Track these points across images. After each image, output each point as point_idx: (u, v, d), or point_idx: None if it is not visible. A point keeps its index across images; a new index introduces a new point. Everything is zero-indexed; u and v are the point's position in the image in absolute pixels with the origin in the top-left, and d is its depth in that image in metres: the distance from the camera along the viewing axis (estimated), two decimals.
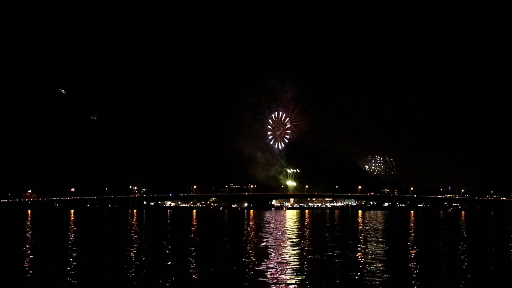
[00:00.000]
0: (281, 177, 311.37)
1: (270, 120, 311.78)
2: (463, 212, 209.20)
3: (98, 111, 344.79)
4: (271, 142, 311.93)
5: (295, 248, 33.71)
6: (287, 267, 24.20)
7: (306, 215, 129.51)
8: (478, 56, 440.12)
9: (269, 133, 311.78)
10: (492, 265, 26.66)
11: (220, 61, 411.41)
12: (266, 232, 50.32)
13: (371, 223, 77.39)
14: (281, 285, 19.41)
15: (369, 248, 33.49)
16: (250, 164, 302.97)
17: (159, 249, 33.01)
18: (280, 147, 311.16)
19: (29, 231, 52.78)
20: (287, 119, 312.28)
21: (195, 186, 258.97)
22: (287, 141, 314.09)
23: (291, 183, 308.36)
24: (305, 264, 25.62)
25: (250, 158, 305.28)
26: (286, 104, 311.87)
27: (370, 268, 23.95)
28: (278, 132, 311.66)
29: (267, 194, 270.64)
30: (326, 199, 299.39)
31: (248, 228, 60.63)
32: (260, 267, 23.96)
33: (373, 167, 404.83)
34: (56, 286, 19.75)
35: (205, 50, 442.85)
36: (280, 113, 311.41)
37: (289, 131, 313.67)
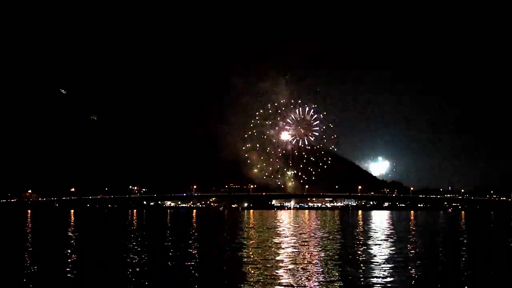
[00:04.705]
0: (280, 177, 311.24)
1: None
2: (463, 212, 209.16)
3: (98, 111, 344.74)
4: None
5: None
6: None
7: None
8: (478, 55, 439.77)
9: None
10: (492, 265, 26.67)
11: (217, 62, 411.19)
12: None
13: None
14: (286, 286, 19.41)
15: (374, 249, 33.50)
16: (247, 165, 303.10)
17: (160, 249, 33.01)
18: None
19: (29, 231, 52.75)
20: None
21: (195, 186, 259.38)
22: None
23: (290, 183, 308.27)
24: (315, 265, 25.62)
25: (247, 159, 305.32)
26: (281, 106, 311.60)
27: (372, 269, 23.97)
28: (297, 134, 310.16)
29: (267, 194, 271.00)
30: (326, 199, 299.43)
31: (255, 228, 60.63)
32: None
33: (373, 167, 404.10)
34: (56, 286, 19.75)
35: (200, 49, 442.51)
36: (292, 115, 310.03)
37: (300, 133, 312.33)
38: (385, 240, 41.08)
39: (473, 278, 22.02)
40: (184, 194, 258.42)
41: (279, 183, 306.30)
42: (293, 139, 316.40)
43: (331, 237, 44.77)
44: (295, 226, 64.89)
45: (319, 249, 33.10)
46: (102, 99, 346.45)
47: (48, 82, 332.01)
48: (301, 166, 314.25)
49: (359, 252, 31.42)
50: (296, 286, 19.28)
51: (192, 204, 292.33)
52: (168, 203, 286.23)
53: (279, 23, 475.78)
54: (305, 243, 37.20)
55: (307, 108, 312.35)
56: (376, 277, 21.43)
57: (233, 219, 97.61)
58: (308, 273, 22.50)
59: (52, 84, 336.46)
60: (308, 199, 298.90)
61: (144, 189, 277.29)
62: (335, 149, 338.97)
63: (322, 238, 42.96)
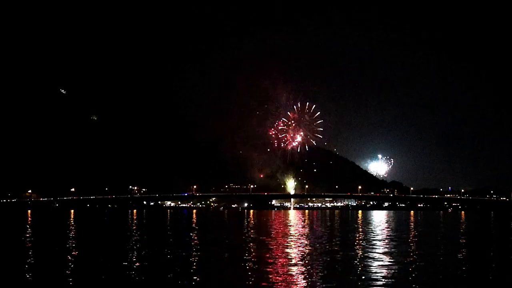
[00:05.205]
0: (280, 177, 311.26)
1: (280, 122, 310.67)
2: (463, 212, 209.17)
3: (98, 111, 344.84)
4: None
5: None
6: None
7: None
8: (478, 55, 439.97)
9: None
10: (492, 265, 26.66)
11: (217, 62, 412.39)
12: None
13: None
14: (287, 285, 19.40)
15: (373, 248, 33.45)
16: (247, 165, 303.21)
17: (160, 250, 33.00)
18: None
19: (29, 231, 52.72)
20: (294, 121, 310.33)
21: (195, 186, 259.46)
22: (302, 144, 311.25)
23: (291, 183, 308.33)
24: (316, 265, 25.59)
25: (247, 159, 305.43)
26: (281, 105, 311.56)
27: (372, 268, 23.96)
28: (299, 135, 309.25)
29: (267, 194, 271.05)
30: (326, 199, 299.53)
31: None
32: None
33: (373, 167, 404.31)
34: (56, 286, 19.73)
35: (200, 49, 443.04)
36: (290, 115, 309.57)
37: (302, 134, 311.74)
38: (383, 240, 41.06)
39: (473, 278, 22.01)
40: (186, 194, 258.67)
41: (279, 183, 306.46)
42: (293, 139, 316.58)
43: (330, 236, 44.78)
44: (296, 227, 64.90)
45: (318, 249, 33.09)
46: (102, 99, 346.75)
47: (48, 82, 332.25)
48: (301, 166, 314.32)
49: (357, 252, 31.39)
50: (293, 286, 19.30)
51: (192, 204, 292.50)
52: (168, 203, 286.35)
53: (279, 23, 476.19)
54: (304, 243, 37.21)
55: (306, 108, 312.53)
56: (374, 277, 21.42)
57: (235, 219, 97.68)
58: (306, 272, 22.50)
59: (52, 84, 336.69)
60: (308, 199, 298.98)
61: (144, 189, 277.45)
62: (335, 149, 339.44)
63: (321, 238, 42.96)
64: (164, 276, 21.56)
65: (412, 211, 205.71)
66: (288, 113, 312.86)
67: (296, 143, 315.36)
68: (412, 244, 37.52)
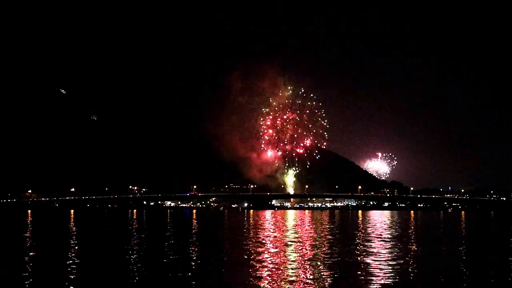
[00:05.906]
0: (280, 177, 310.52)
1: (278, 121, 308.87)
2: (463, 212, 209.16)
3: (98, 111, 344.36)
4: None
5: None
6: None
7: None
8: (478, 55, 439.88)
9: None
10: (492, 265, 26.66)
11: (217, 61, 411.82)
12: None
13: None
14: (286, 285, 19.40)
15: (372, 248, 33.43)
16: (247, 165, 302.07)
17: (160, 249, 33.00)
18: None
19: (29, 231, 52.70)
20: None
21: (195, 186, 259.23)
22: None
23: (290, 183, 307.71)
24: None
25: (247, 159, 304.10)
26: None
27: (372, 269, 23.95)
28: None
29: (268, 194, 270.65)
30: (326, 199, 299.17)
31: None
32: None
33: (373, 167, 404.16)
34: (56, 286, 19.73)
35: (200, 49, 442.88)
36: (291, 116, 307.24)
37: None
38: (382, 239, 41.05)
39: (473, 278, 22.00)
40: (187, 194, 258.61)
41: (279, 183, 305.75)
42: (292, 139, 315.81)
43: (330, 236, 44.77)
44: (295, 226, 64.88)
45: (317, 248, 33.07)
46: (102, 99, 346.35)
47: (48, 82, 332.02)
48: (301, 166, 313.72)
49: (357, 252, 31.38)
50: (291, 286, 19.29)
51: (192, 204, 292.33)
52: (168, 203, 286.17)
53: (279, 23, 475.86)
54: (304, 243, 37.19)
55: (306, 108, 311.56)
56: (373, 277, 21.42)
57: (235, 219, 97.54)
58: (305, 272, 22.49)
59: (52, 84, 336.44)
60: (308, 199, 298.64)
61: (144, 189, 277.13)
62: (336, 149, 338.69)
63: (321, 237, 42.95)
64: (164, 276, 21.56)
65: (412, 211, 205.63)
66: (288, 113, 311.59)
67: (296, 143, 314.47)
68: (412, 244, 37.51)
